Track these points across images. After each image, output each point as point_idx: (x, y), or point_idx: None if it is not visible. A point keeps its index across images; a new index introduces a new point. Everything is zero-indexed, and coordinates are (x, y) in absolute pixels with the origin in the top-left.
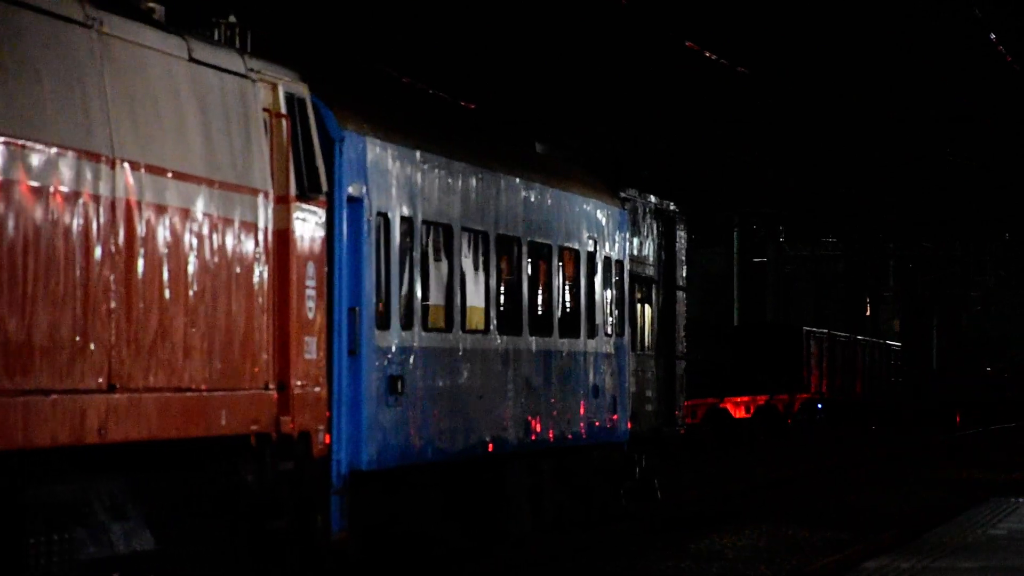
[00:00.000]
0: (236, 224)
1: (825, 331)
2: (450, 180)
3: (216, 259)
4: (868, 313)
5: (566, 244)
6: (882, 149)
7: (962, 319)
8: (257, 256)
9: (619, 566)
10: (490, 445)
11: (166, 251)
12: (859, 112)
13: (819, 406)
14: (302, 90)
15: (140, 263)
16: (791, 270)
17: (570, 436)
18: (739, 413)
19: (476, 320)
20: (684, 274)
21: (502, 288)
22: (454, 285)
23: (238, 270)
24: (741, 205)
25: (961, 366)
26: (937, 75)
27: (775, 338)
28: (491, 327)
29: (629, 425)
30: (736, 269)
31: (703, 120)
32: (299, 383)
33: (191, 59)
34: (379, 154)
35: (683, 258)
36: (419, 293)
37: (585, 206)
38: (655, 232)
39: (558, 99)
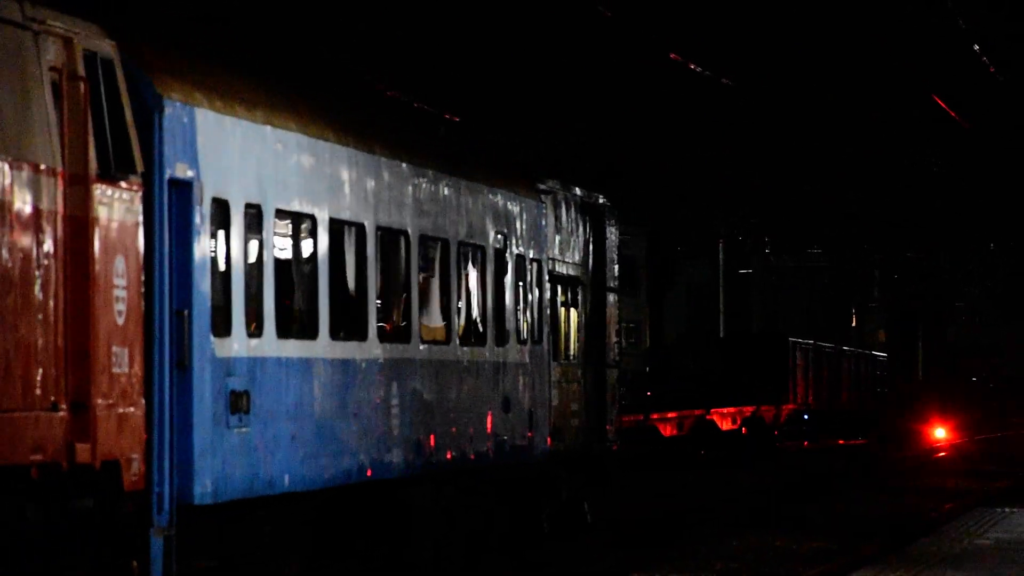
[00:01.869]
0: (5, 206)
1: (811, 342)
2: (314, 162)
3: None
4: (854, 324)
5: (468, 240)
6: (867, 160)
7: (947, 329)
8: (40, 246)
9: None
10: (369, 470)
11: None
12: (844, 122)
13: (805, 417)
14: (108, 48)
15: None
16: (776, 281)
17: (473, 456)
18: (726, 424)
19: (351, 325)
20: (616, 274)
21: (385, 289)
22: (319, 285)
23: (10, 263)
24: (726, 216)
25: (947, 376)
26: (921, 86)
27: (761, 349)
28: (370, 334)
29: (549, 442)
30: (722, 280)
31: (688, 131)
32: (104, 402)
33: None
34: (215, 129)
35: (615, 256)
36: (272, 294)
37: (492, 197)
38: (582, 228)
39: (540, 111)
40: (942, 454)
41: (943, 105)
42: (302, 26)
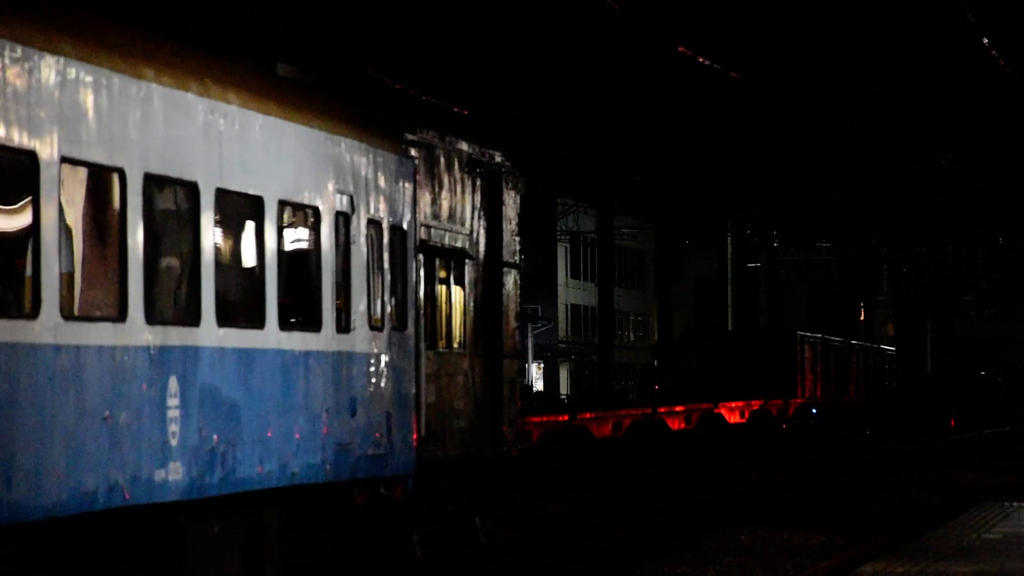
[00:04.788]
0: None
1: (819, 335)
2: (33, 82)
3: None
4: (862, 317)
5: (293, 199)
6: (875, 153)
7: (955, 323)
8: None
9: (613, 572)
10: (127, 492)
11: None
12: (852, 117)
13: (814, 411)
14: None
15: None
16: (784, 275)
17: (299, 470)
18: (734, 418)
19: (101, 301)
20: (517, 248)
21: (158, 257)
22: (43, 247)
23: None
24: (734, 210)
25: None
26: (931, 80)
27: (769, 343)
28: (132, 313)
29: (416, 448)
30: (730, 274)
31: (697, 125)
32: None
33: None
34: None
35: (515, 226)
36: None
37: (334, 147)
38: (471, 191)
39: (549, 104)
40: (951, 448)
41: (951, 99)
42: (306, 24)
